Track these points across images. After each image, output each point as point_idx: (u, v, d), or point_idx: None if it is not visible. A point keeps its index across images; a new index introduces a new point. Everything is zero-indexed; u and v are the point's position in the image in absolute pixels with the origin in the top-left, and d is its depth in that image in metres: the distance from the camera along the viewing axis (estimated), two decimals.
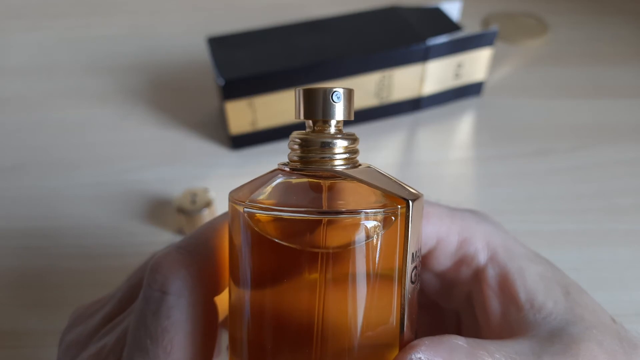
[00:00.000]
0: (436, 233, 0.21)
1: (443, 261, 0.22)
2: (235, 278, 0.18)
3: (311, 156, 0.18)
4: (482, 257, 0.21)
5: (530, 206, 0.38)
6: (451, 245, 0.22)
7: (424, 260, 0.22)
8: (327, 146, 0.18)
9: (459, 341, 0.18)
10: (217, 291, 0.19)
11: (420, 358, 0.17)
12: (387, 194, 0.17)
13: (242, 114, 0.42)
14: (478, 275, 0.22)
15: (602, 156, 0.42)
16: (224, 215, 0.20)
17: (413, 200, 0.17)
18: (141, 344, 0.18)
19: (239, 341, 0.18)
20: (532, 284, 0.20)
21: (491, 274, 0.21)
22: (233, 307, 0.19)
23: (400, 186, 0.18)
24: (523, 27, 0.57)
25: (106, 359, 0.19)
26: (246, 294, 0.18)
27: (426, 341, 0.17)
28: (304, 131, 0.18)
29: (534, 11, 0.60)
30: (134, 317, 0.18)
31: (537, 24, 0.58)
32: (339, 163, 0.18)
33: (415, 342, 0.17)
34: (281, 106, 0.42)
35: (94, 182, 0.41)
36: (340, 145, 0.18)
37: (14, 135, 0.46)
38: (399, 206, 0.17)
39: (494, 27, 0.44)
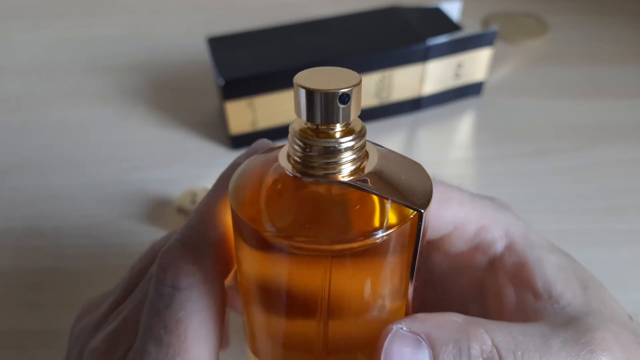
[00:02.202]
0: (455, 218, 0.21)
1: (458, 246, 0.22)
2: (240, 266, 0.19)
3: (315, 162, 0.16)
4: (499, 246, 0.21)
5: (530, 206, 0.38)
6: (469, 231, 0.21)
7: (439, 242, 0.22)
8: (332, 152, 0.16)
9: (455, 317, 0.18)
10: (226, 275, 0.20)
11: (402, 327, 0.17)
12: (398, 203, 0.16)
13: (242, 114, 0.42)
14: (494, 263, 0.21)
15: (602, 156, 0.42)
16: (218, 194, 0.20)
17: (425, 208, 0.16)
18: (155, 334, 0.18)
19: (253, 320, 0.20)
20: (550, 274, 0.20)
21: (508, 262, 0.21)
22: (242, 289, 0.20)
23: (412, 179, 0.17)
24: (523, 27, 0.57)
25: (116, 346, 0.20)
26: (254, 283, 0.19)
27: (419, 315, 0.18)
28: (306, 128, 0.17)
29: (534, 11, 0.60)
30: (146, 309, 0.19)
31: (537, 24, 0.58)
32: (345, 169, 0.16)
33: (409, 317, 0.18)
34: (281, 106, 0.42)
35: (94, 182, 0.41)
36: (346, 150, 0.16)
37: (14, 135, 0.46)
38: (411, 215, 0.17)
39: (494, 27, 0.44)
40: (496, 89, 0.49)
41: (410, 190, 0.17)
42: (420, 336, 0.17)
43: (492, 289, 0.22)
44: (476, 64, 0.46)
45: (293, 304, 0.18)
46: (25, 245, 0.37)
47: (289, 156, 0.17)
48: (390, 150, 0.19)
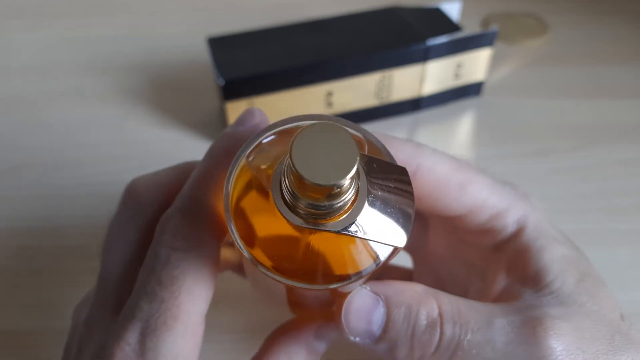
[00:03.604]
0: (472, 202, 0.21)
1: (470, 227, 0.22)
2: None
3: (304, 211, 0.16)
4: (507, 232, 0.22)
5: None
6: (483, 216, 0.22)
7: (452, 219, 0.23)
8: (323, 209, 0.16)
9: (416, 287, 0.20)
10: (220, 239, 0.21)
11: (366, 288, 0.19)
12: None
13: None
14: (499, 247, 0.22)
15: (602, 156, 0.42)
16: (210, 163, 0.21)
17: (404, 243, 0.17)
18: (149, 290, 0.19)
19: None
20: (547, 262, 0.20)
21: (511, 248, 0.21)
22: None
23: (396, 207, 0.17)
24: (523, 27, 0.57)
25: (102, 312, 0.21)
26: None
27: (386, 281, 0.20)
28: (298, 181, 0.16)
29: (534, 11, 0.60)
30: (142, 269, 0.19)
31: (537, 24, 0.58)
32: (334, 214, 0.16)
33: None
34: (281, 106, 0.42)
35: (95, 182, 0.41)
36: (337, 205, 0.16)
37: (14, 135, 0.46)
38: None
39: (494, 27, 0.44)
40: (496, 89, 0.49)
41: (394, 221, 0.17)
42: (379, 296, 0.19)
43: (492, 270, 0.22)
44: (476, 64, 0.46)
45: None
46: (25, 245, 0.37)
47: (281, 192, 0.17)
48: (378, 153, 0.19)
